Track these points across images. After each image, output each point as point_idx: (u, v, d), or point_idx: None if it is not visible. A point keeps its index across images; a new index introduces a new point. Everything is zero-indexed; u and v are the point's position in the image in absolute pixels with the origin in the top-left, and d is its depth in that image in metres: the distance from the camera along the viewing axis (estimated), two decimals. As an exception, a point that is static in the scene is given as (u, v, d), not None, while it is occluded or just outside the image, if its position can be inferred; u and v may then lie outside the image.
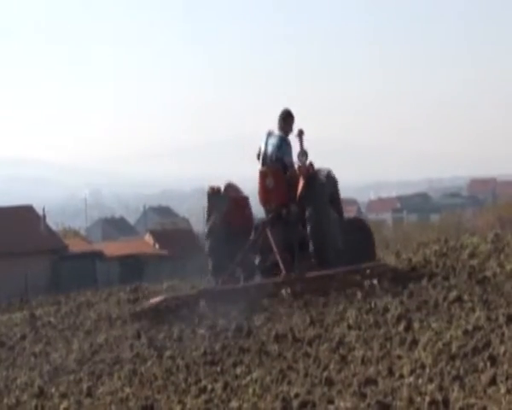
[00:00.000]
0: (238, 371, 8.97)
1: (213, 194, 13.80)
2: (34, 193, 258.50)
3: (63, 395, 9.36)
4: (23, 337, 13.83)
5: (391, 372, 7.72)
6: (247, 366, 9.08)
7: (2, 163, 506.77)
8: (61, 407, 8.89)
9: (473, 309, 9.50)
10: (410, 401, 6.79)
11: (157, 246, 66.61)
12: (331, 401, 7.21)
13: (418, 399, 6.80)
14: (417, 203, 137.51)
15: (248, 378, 8.53)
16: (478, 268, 12.28)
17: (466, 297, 10.16)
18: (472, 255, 14.06)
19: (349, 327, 9.88)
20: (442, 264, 13.29)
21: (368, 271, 12.41)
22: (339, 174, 14.05)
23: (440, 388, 6.95)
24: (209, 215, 13.86)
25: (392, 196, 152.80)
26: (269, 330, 10.58)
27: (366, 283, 12.15)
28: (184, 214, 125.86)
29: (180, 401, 8.17)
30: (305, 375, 8.24)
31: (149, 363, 10.12)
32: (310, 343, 9.50)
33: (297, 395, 7.52)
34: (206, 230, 14.09)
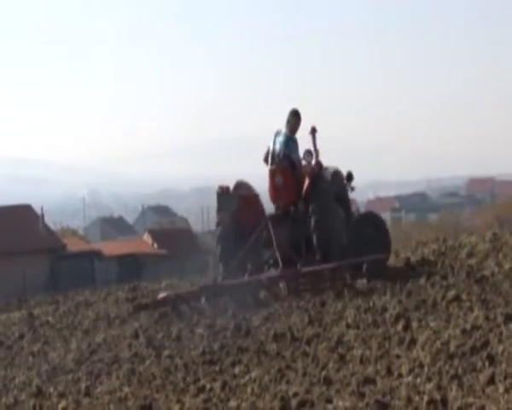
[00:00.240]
0: (237, 370, 8.97)
1: (222, 193, 14.04)
2: (33, 192, 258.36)
3: (61, 395, 9.35)
4: (21, 337, 13.83)
5: (389, 372, 7.72)
6: (246, 366, 9.07)
7: (1, 163, 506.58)
8: (60, 406, 8.88)
9: (471, 308, 9.50)
10: (409, 400, 6.79)
11: (155, 245, 66.60)
12: (330, 401, 7.21)
13: (416, 398, 6.80)
14: (415, 203, 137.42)
15: (247, 378, 8.53)
16: (476, 267, 12.29)
17: (464, 296, 10.16)
18: (470, 255, 14.07)
19: (348, 326, 9.88)
20: (440, 263, 13.31)
21: (365, 267, 12.60)
22: (337, 173, 14.17)
23: (439, 387, 6.95)
24: (219, 214, 14.12)
25: (390, 196, 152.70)
26: (267, 329, 10.59)
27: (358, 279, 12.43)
28: (183, 214, 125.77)
29: (179, 401, 8.16)
30: (304, 374, 8.24)
31: (148, 362, 10.11)
32: (308, 343, 9.50)
33: (295, 395, 7.51)
34: (215, 228, 14.35)
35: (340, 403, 7.06)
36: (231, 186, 14.04)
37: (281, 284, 12.86)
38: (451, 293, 10.37)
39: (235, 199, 13.86)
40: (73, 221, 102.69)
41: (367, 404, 6.87)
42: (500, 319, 8.62)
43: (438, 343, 8.21)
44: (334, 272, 12.89)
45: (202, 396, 8.15)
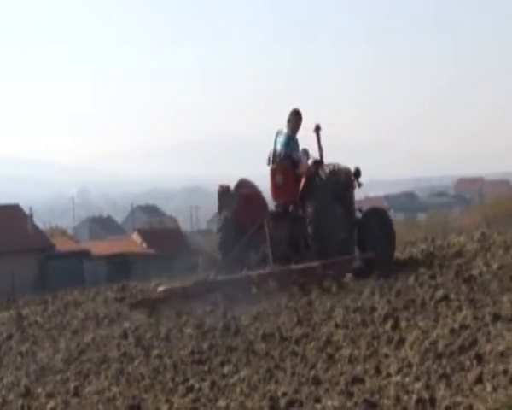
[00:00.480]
0: (225, 370, 8.97)
1: (223, 192, 14.28)
2: (22, 192, 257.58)
3: (50, 395, 9.33)
4: (10, 337, 13.78)
5: (378, 371, 7.73)
6: (235, 365, 9.08)
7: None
8: (48, 406, 8.86)
9: (459, 308, 9.53)
10: (397, 399, 6.80)
11: (144, 245, 66.55)
12: (318, 400, 7.22)
13: (405, 397, 6.82)
14: (404, 202, 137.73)
15: (236, 377, 8.53)
16: (464, 267, 12.32)
17: (453, 296, 10.19)
18: (459, 254, 14.12)
19: (336, 326, 9.89)
20: (429, 263, 13.34)
21: (356, 263, 13.27)
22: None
23: (427, 386, 6.97)
24: (220, 213, 14.39)
25: (379, 196, 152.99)
26: (256, 329, 10.59)
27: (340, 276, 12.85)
28: (172, 213, 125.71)
29: (167, 401, 8.16)
30: (293, 374, 8.25)
31: (136, 362, 10.10)
32: (297, 342, 9.51)
33: (284, 394, 7.52)
34: (217, 227, 14.63)
35: (329, 403, 7.07)
36: (232, 185, 14.28)
37: (270, 282, 13.11)
38: (440, 292, 10.40)
39: (236, 198, 14.08)
40: (62, 221, 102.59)
41: (355, 403, 6.88)
42: (488, 318, 8.65)
43: (426, 343, 8.23)
44: (322, 269, 13.07)
45: (191, 396, 8.15)
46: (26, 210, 55.27)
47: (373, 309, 10.35)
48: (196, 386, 8.48)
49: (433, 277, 11.80)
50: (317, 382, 7.78)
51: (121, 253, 59.50)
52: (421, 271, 12.49)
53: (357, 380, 7.55)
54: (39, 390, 9.63)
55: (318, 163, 14.17)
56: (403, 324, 9.32)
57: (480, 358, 7.39)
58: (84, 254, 56.29)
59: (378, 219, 14.80)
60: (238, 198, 14.11)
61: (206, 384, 8.46)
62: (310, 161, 14.16)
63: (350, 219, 14.19)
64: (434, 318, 9.31)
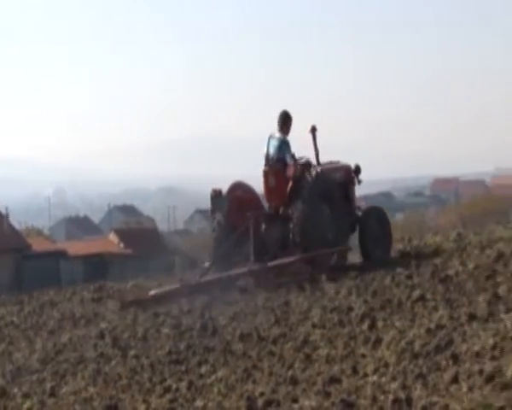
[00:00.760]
0: (203, 370, 8.97)
1: (216, 196, 14.65)
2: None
3: (26, 395, 9.29)
4: (-15, 337, 13.69)
5: (355, 371, 7.76)
6: (212, 365, 9.08)
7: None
8: (24, 407, 8.82)
9: (436, 308, 9.57)
10: (374, 399, 6.83)
11: (121, 245, 66.33)
12: (295, 400, 7.23)
13: (382, 397, 6.84)
14: (381, 202, 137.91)
15: (213, 377, 8.53)
16: (441, 267, 12.38)
17: (429, 296, 10.23)
18: (435, 254, 14.18)
19: (314, 326, 9.91)
20: (406, 263, 13.39)
21: (333, 260, 13.70)
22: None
23: (403, 386, 7.00)
24: (213, 216, 14.76)
25: (356, 196, 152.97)
26: (234, 329, 10.59)
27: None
28: (149, 213, 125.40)
29: (144, 401, 8.14)
30: (270, 374, 8.26)
31: (114, 362, 10.08)
32: (274, 342, 9.52)
33: (262, 394, 7.53)
34: (211, 230, 14.99)
35: (306, 403, 7.08)
36: (225, 188, 14.62)
37: (244, 281, 13.38)
38: (416, 293, 10.44)
39: (227, 201, 14.42)
40: (38, 221, 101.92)
41: (332, 403, 6.89)
42: (464, 318, 8.69)
43: (403, 343, 8.26)
44: (297, 265, 13.52)
45: (168, 396, 8.14)
46: (2, 210, 54.93)
47: (350, 309, 10.38)
48: (174, 386, 8.47)
49: (409, 277, 11.85)
50: (294, 382, 7.80)
51: (98, 253, 59.29)
52: (398, 271, 12.54)
53: (335, 380, 7.57)
54: (15, 390, 9.59)
55: (306, 166, 14.43)
56: (379, 324, 9.35)
57: (455, 358, 7.43)
58: (61, 255, 56.03)
59: (376, 216, 15.32)
60: (230, 201, 14.44)
61: (183, 384, 8.45)
62: (298, 164, 14.39)
63: (340, 220, 14.44)
64: (411, 318, 9.35)
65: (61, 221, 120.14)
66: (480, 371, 6.87)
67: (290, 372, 8.11)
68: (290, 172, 14.28)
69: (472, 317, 8.64)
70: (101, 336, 11.80)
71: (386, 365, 7.73)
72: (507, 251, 12.73)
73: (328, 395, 7.16)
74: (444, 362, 7.42)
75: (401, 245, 16.76)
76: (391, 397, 6.72)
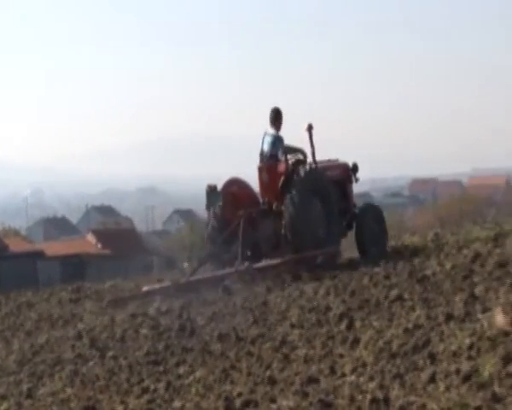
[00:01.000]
0: (181, 370, 8.96)
1: (211, 191, 14.85)
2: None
3: (3, 397, 9.23)
4: (-38, 338, 13.59)
5: (333, 371, 7.77)
6: (190, 366, 9.06)
7: None
8: (1, 408, 8.77)
9: (413, 308, 9.60)
10: (352, 399, 6.84)
11: (99, 245, 66.09)
12: (274, 400, 7.23)
13: (359, 397, 6.86)
14: (360, 202, 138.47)
15: (191, 378, 8.52)
16: (418, 267, 12.42)
17: (406, 296, 10.26)
18: (413, 254, 14.25)
19: (292, 326, 9.92)
20: (383, 263, 13.44)
21: (319, 259, 13.84)
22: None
23: (381, 386, 7.02)
24: (208, 211, 14.99)
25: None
26: (212, 329, 10.58)
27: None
28: (127, 214, 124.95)
29: (122, 402, 8.12)
30: (248, 374, 8.26)
31: (91, 363, 10.04)
32: (253, 342, 9.52)
33: (240, 395, 7.53)
34: (206, 225, 15.32)
35: (284, 403, 7.09)
36: (220, 184, 14.83)
37: (229, 281, 13.41)
38: (394, 292, 10.47)
39: (222, 196, 14.66)
40: (15, 221, 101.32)
41: (310, 403, 6.91)
42: (441, 318, 8.73)
43: (380, 342, 8.29)
44: (283, 267, 13.59)
45: (146, 397, 8.12)
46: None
47: (328, 309, 10.40)
48: (152, 387, 8.46)
49: (387, 277, 11.88)
50: (272, 382, 7.80)
51: (76, 253, 59.03)
52: (376, 271, 12.58)
53: (312, 380, 7.58)
54: (-8, 392, 9.52)
55: (299, 162, 14.77)
56: (357, 324, 9.37)
57: (433, 358, 7.46)
58: (38, 255, 55.71)
59: (372, 213, 15.75)
60: (224, 197, 14.66)
61: (161, 385, 8.43)
62: (291, 160, 14.72)
63: (334, 217, 14.70)
64: (389, 317, 9.38)
65: (38, 222, 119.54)
66: (457, 371, 6.90)
67: (268, 373, 8.11)
68: (282, 168, 14.57)
69: (449, 317, 8.68)
70: (79, 337, 11.75)
71: (364, 365, 7.75)
72: (483, 251, 12.81)
73: (306, 395, 7.17)
74: (421, 362, 7.45)
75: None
76: (369, 397, 6.74)
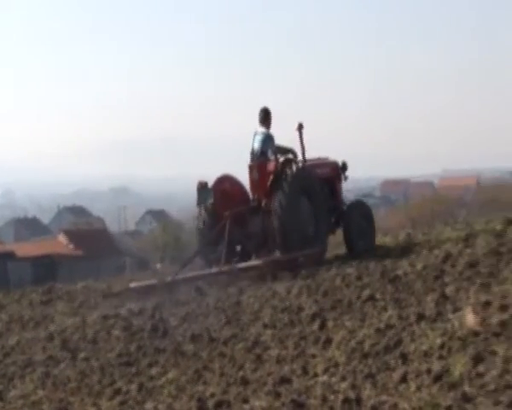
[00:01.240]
0: (153, 371, 8.94)
1: (201, 188, 14.91)
2: None
3: (-27, 399, 9.15)
4: None
5: (305, 371, 7.79)
6: (163, 367, 9.05)
7: None
8: (-28, 411, 8.70)
9: (385, 308, 9.64)
10: (324, 399, 6.86)
11: (71, 246, 65.76)
12: (246, 401, 7.24)
13: (332, 397, 6.88)
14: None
15: (164, 379, 8.51)
16: (390, 267, 12.48)
17: (378, 296, 10.31)
18: (384, 254, 14.32)
19: (264, 326, 9.93)
20: (356, 263, 13.49)
21: (301, 259, 13.93)
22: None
23: (353, 386, 7.05)
24: (198, 207, 15.12)
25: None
26: (184, 330, 10.56)
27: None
28: (99, 214, 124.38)
29: (94, 404, 8.09)
30: (221, 375, 8.26)
31: (63, 365, 9.98)
32: (225, 343, 9.52)
33: (212, 395, 7.53)
34: (196, 221, 15.49)
35: (257, 403, 7.10)
36: (212, 181, 14.89)
37: (200, 282, 13.52)
38: (366, 293, 10.51)
39: (212, 193, 14.74)
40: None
41: (283, 403, 6.92)
42: (413, 318, 8.77)
43: (353, 343, 8.32)
44: (265, 267, 13.66)
45: (118, 399, 8.09)
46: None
47: (300, 309, 10.42)
48: (124, 388, 8.43)
49: (359, 277, 11.93)
50: (245, 382, 7.81)
51: (47, 254, 58.70)
52: (348, 271, 12.63)
53: (285, 380, 7.60)
54: (-38, 395, 9.43)
55: (289, 160, 14.93)
56: (330, 324, 9.40)
57: (404, 357, 7.50)
58: (9, 256, 55.34)
59: (360, 210, 15.92)
60: (215, 194, 14.75)
61: (133, 386, 8.41)
62: (281, 159, 14.86)
63: (322, 215, 14.90)
64: (361, 318, 9.41)
65: (9, 222, 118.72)
66: (428, 371, 6.94)
67: (241, 373, 8.12)
68: (271, 166, 14.73)
69: (420, 317, 8.73)
70: (51, 338, 11.68)
71: (336, 365, 7.77)
72: (454, 251, 12.89)
73: (278, 395, 7.18)
74: (393, 362, 7.49)
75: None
76: (341, 397, 6.77)
